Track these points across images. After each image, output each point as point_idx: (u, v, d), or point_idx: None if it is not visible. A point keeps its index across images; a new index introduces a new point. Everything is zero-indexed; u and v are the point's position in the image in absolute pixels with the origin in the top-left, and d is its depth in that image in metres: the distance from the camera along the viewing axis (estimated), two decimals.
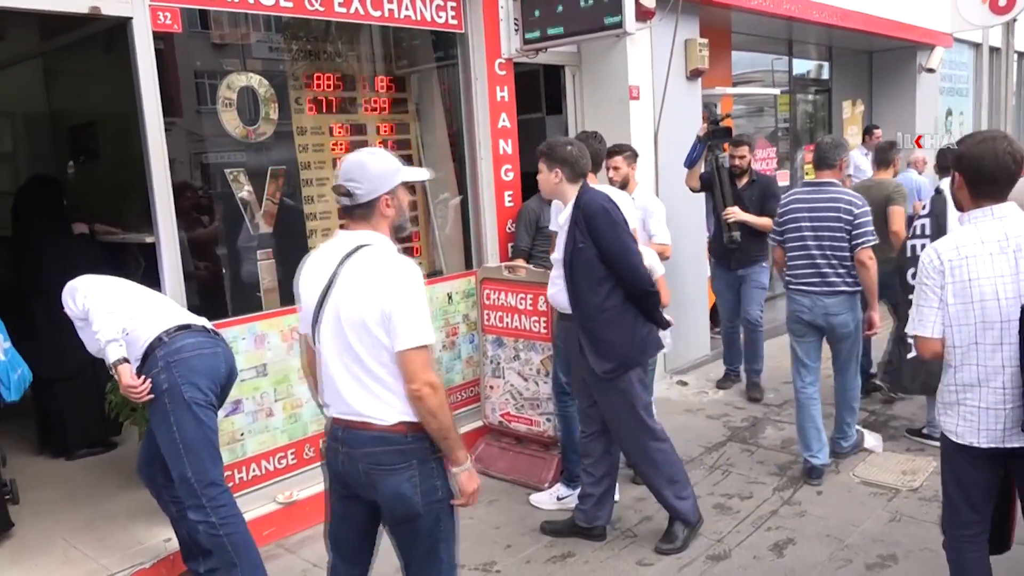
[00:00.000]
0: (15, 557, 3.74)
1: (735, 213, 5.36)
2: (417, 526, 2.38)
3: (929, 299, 2.53)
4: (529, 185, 4.35)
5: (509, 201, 5.15)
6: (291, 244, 4.51)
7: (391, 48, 5.03)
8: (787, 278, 4.40)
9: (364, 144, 4.73)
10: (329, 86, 4.62)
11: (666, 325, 3.77)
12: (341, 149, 4.62)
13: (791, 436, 4.97)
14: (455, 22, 4.84)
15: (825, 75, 9.87)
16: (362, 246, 2.31)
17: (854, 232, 4.14)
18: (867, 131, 9.16)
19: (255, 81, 4.24)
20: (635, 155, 4.87)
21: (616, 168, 4.73)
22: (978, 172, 2.50)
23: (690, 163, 5.55)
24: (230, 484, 3.89)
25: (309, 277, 2.42)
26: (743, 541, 3.77)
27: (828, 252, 4.20)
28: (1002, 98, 9.52)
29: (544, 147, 3.62)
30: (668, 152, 5.89)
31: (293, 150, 4.42)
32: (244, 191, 4.28)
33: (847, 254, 4.18)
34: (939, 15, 9.59)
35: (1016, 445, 2.46)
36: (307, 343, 2.49)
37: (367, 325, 2.25)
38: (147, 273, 4.05)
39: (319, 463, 4.25)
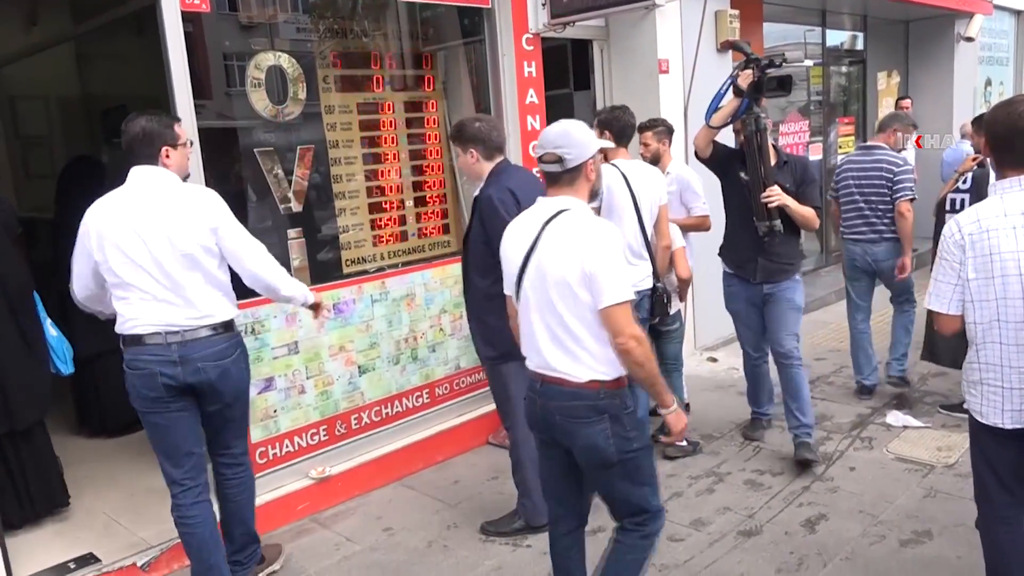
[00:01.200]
0: (60, 530, 3.86)
1: (779, 195, 3.99)
2: (613, 472, 2.52)
3: (947, 274, 2.43)
4: None
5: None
6: (320, 223, 4.53)
7: (418, 26, 5.01)
8: (842, 230, 5.12)
9: (391, 123, 4.73)
10: (356, 65, 4.62)
11: None
12: (368, 128, 4.63)
13: (823, 412, 4.94)
14: None
15: (860, 46, 9.63)
16: (563, 211, 2.46)
17: (894, 187, 4.81)
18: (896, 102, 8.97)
19: (283, 61, 4.25)
20: (668, 131, 4.79)
21: (646, 144, 4.67)
22: (993, 136, 2.42)
23: (716, 118, 4.11)
24: (264, 460, 3.98)
25: (512, 242, 2.58)
26: (774, 517, 3.76)
27: (874, 204, 4.90)
28: None
29: (452, 131, 3.58)
30: (698, 126, 5.75)
31: (321, 129, 4.43)
32: (273, 171, 4.30)
33: (890, 206, 4.85)
34: None
35: None
36: (511, 303, 2.65)
37: (570, 285, 2.39)
38: None
39: (351, 439, 4.34)
